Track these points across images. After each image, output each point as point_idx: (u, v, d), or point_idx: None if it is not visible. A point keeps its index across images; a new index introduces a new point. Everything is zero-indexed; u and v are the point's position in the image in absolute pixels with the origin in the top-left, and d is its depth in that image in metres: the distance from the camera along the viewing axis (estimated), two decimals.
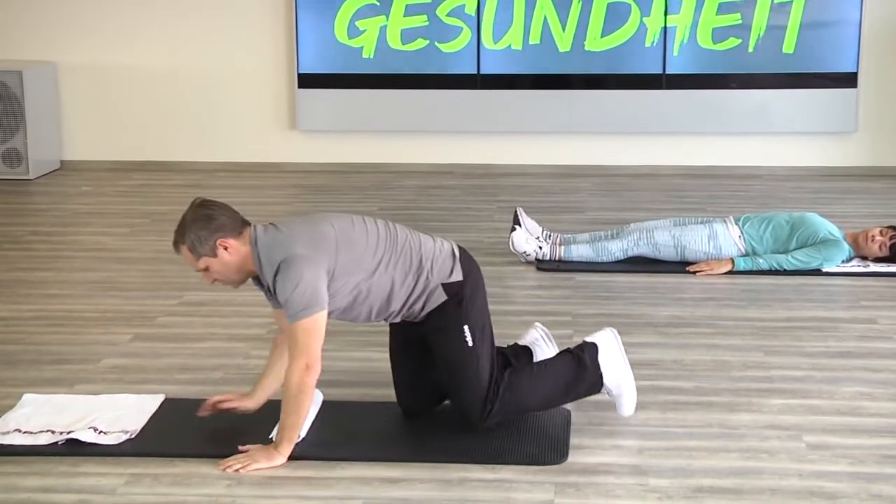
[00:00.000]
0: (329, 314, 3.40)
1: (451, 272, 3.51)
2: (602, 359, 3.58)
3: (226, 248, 3.40)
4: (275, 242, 3.40)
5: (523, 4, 7.90)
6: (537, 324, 3.95)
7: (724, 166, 8.03)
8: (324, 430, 3.60)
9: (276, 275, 3.34)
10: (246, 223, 3.48)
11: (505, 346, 3.86)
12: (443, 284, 3.49)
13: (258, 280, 3.49)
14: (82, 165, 8.28)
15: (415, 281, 3.48)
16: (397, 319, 3.55)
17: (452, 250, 3.57)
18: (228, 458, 3.37)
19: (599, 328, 3.74)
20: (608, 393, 3.62)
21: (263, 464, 3.34)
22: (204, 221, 3.41)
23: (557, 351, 3.77)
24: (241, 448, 3.41)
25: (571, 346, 3.72)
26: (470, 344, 3.48)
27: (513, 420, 3.57)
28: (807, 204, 6.78)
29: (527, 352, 3.83)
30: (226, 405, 3.64)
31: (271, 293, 3.42)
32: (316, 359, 3.32)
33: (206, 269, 3.44)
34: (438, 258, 3.52)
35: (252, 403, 3.63)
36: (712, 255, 5.51)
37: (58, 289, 5.34)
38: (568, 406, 3.72)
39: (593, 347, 3.61)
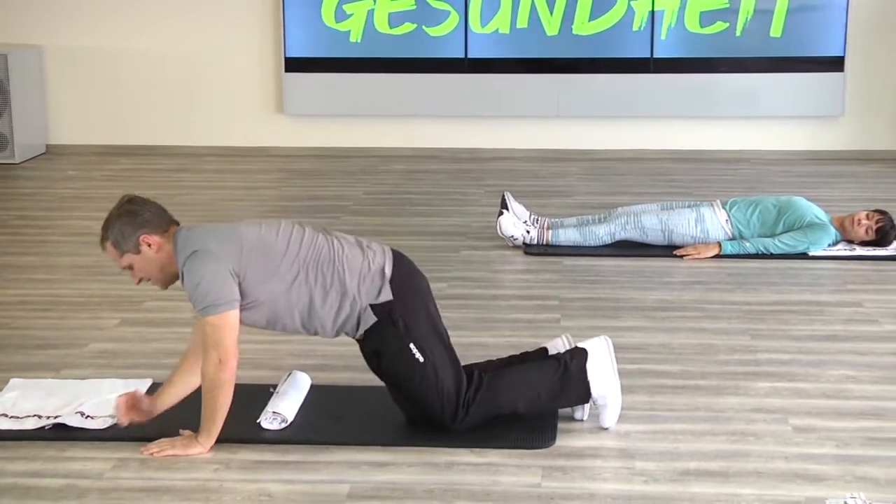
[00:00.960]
0: (256, 325, 3.41)
1: (380, 292, 3.41)
2: (590, 367, 3.50)
3: (149, 245, 3.37)
4: (189, 237, 3.37)
5: None
6: (565, 336, 3.74)
7: (711, 150, 8.04)
8: (311, 414, 3.61)
9: (183, 266, 3.32)
10: (174, 222, 3.44)
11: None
12: (371, 306, 3.40)
13: None
14: (68, 150, 8.25)
15: (339, 301, 3.39)
16: (332, 335, 3.48)
17: (383, 268, 3.44)
18: (152, 443, 3.37)
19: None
20: (594, 402, 3.53)
21: (179, 451, 3.34)
22: (129, 217, 3.38)
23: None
24: (180, 432, 3.42)
25: (563, 349, 3.65)
26: (421, 360, 3.40)
27: (490, 423, 3.48)
28: (794, 188, 6.79)
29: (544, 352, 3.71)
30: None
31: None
32: (229, 353, 3.28)
33: (131, 267, 3.41)
34: (366, 278, 3.41)
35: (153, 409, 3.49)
36: (699, 238, 5.52)
37: (44, 273, 5.32)
38: None
39: (583, 354, 3.53)
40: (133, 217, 3.38)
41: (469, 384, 3.46)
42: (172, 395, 3.51)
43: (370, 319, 3.41)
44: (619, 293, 4.96)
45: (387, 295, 3.41)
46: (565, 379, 3.49)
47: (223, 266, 3.30)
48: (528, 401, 3.50)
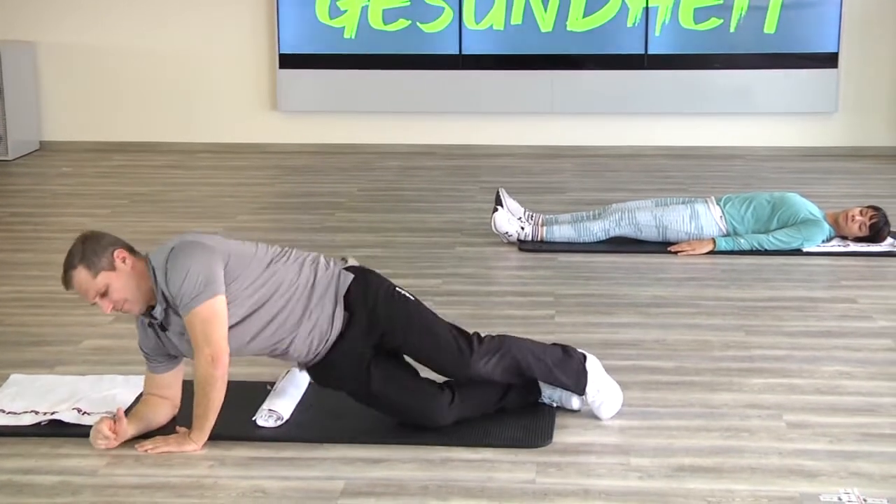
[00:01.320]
0: (244, 348, 3.37)
1: (345, 260, 3.54)
2: (588, 364, 3.56)
3: (123, 260, 3.29)
4: (162, 248, 3.33)
5: None
6: None
7: (705, 146, 8.05)
8: (308, 411, 3.61)
9: (166, 262, 3.25)
10: (139, 251, 3.39)
11: None
12: (343, 269, 3.48)
13: (149, 314, 3.37)
14: (62, 146, 8.24)
15: (314, 271, 3.41)
16: (312, 321, 3.39)
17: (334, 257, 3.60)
18: (147, 440, 3.37)
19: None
20: (591, 399, 3.54)
21: (173, 448, 3.34)
22: (95, 239, 3.32)
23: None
24: (177, 429, 3.42)
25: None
26: (411, 297, 3.50)
27: (509, 366, 3.47)
28: (787, 184, 6.80)
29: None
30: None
31: (163, 300, 3.31)
32: (220, 349, 3.25)
33: (105, 293, 3.28)
34: (327, 257, 3.52)
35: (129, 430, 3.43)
36: (694, 235, 5.53)
37: (38, 270, 5.32)
38: None
39: (580, 353, 3.60)
40: (99, 239, 3.33)
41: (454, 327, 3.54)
42: (138, 427, 3.42)
43: (348, 278, 3.44)
44: (614, 289, 4.97)
45: (352, 262, 3.55)
46: (565, 360, 3.54)
47: (210, 252, 3.28)
48: (536, 356, 3.51)
